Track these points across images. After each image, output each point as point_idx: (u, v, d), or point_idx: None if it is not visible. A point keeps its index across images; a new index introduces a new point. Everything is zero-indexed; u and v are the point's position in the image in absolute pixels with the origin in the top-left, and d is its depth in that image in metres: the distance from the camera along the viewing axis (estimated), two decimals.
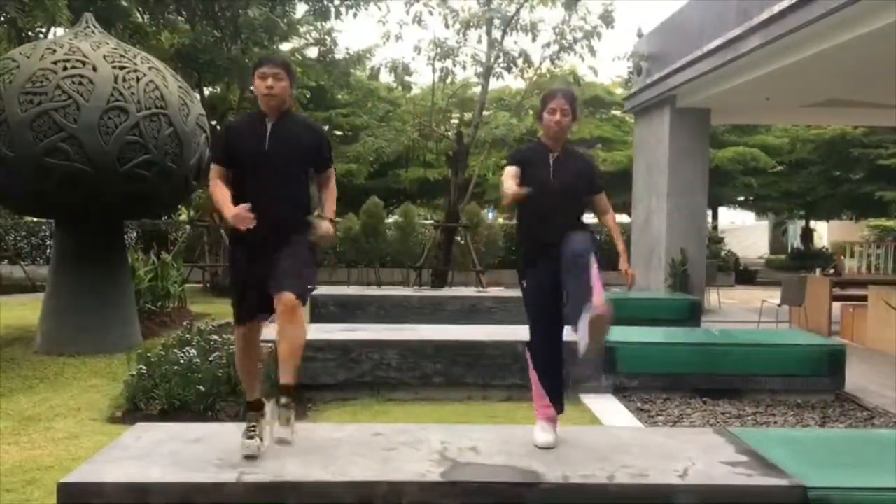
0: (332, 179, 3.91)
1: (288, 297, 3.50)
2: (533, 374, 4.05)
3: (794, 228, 30.78)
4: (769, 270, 23.05)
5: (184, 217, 18.12)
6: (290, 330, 3.54)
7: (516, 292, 4.38)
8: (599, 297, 3.55)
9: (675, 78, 11.70)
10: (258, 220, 3.52)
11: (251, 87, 3.98)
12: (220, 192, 3.68)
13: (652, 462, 3.59)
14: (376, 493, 3.29)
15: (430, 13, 12.42)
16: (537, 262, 3.95)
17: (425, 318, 9.08)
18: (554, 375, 4.03)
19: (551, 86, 12.14)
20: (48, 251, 17.26)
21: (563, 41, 12.58)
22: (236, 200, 3.64)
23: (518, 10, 12.39)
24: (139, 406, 5.56)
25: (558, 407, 4.01)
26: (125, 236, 10.68)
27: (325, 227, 3.72)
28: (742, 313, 12.82)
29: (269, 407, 3.73)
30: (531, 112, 14.09)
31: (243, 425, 3.69)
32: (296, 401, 3.67)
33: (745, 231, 33.53)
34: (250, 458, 3.50)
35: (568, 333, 3.89)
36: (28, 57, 7.50)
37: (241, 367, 3.86)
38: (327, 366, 6.20)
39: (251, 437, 3.56)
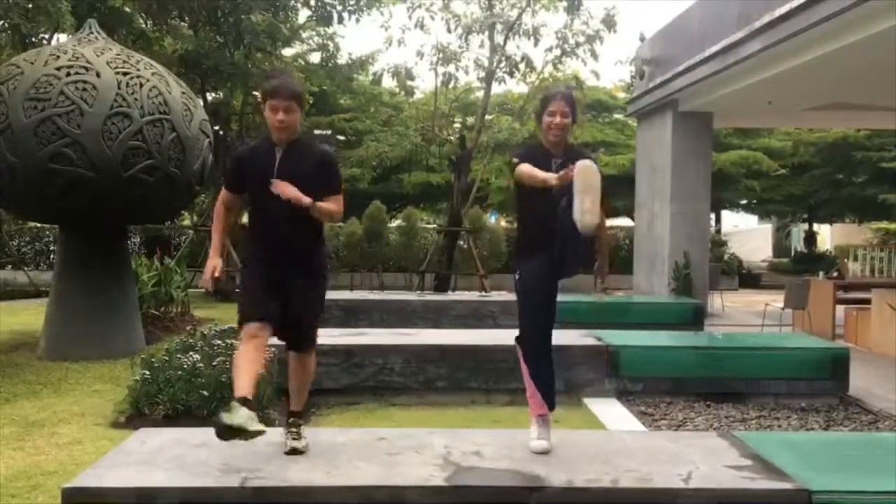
0: (339, 203, 3.80)
1: (298, 351, 3.89)
2: (525, 370, 4.06)
3: (797, 232, 30.73)
4: (772, 274, 23.01)
5: (187, 222, 18.14)
6: (303, 372, 3.93)
7: None
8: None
9: (678, 82, 11.71)
10: (272, 244, 3.73)
11: (254, 93, 4.04)
12: (218, 222, 3.92)
13: (656, 466, 3.59)
14: (380, 497, 3.29)
15: (433, 18, 12.47)
16: (533, 257, 3.95)
17: (428, 323, 9.08)
18: (545, 368, 4.03)
19: (554, 86, 12.18)
20: (51, 256, 17.28)
21: (566, 45, 12.63)
22: (254, 222, 3.84)
23: (520, 15, 12.43)
24: (143, 411, 5.56)
25: (549, 403, 4.02)
26: (128, 241, 10.70)
27: (287, 186, 3.56)
28: (745, 317, 12.80)
29: (282, 430, 3.87)
30: (533, 116, 14.12)
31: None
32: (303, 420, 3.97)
33: (747, 234, 33.43)
34: (227, 427, 3.20)
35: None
36: (32, 63, 7.53)
37: (239, 366, 3.56)
38: (331, 370, 6.20)
39: (228, 411, 3.29)
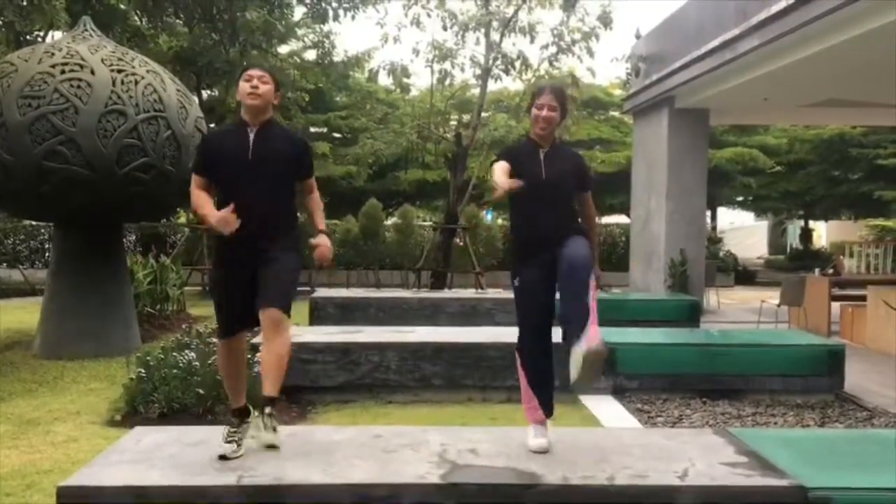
0: (314, 188, 3.93)
1: (272, 312, 3.56)
2: (522, 377, 4.02)
3: (793, 228, 30.81)
4: (768, 271, 23.06)
5: (182, 220, 18.11)
6: (275, 345, 3.58)
7: None
8: (597, 331, 3.51)
9: (674, 79, 11.70)
10: (242, 229, 3.57)
11: None
12: (200, 197, 3.71)
13: (652, 463, 3.59)
14: (376, 495, 3.29)
15: (429, 15, 12.43)
16: (529, 260, 3.91)
17: (424, 320, 9.08)
18: (544, 380, 3.99)
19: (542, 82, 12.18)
20: (47, 254, 17.25)
21: (562, 43, 12.59)
22: (221, 209, 3.65)
23: (516, 12, 12.40)
24: (138, 409, 5.55)
25: (548, 411, 3.98)
26: (124, 239, 10.68)
27: (323, 243, 3.78)
28: (741, 314, 12.82)
29: (254, 419, 3.73)
30: (526, 110, 14.11)
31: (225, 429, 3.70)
32: (277, 409, 3.80)
33: (744, 231, 33.52)
34: (223, 458, 3.51)
35: (557, 334, 3.87)
36: (26, 60, 7.50)
37: (226, 378, 3.87)
38: (327, 368, 6.19)
39: (230, 442, 3.58)
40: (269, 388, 3.60)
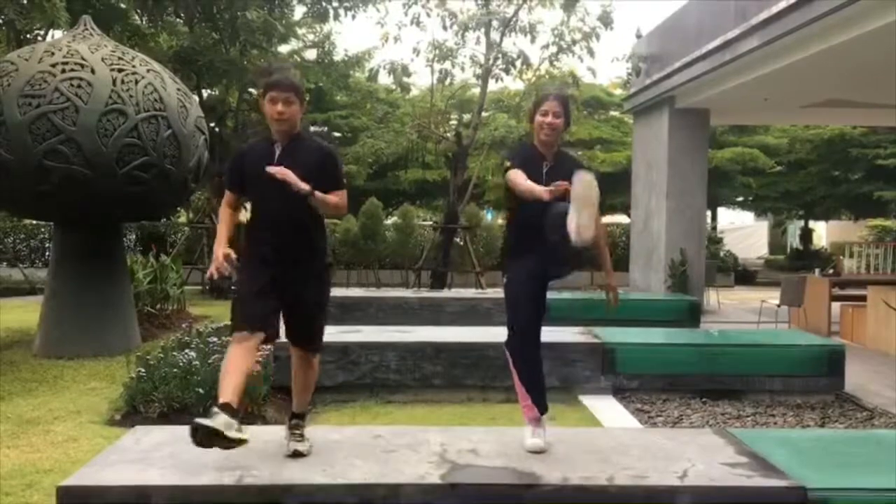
0: (343, 198, 3.74)
1: (307, 353, 3.86)
2: (514, 375, 4.04)
3: (794, 229, 30.76)
4: (768, 271, 23.03)
5: (183, 219, 18.11)
6: (307, 376, 3.90)
7: None
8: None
9: (674, 79, 11.70)
10: (273, 244, 3.64)
11: (250, 90, 4.02)
12: (222, 227, 3.81)
13: (651, 463, 3.59)
14: (376, 495, 3.29)
15: (429, 15, 12.43)
16: (522, 257, 3.92)
17: (424, 320, 9.06)
18: (534, 375, 4.00)
19: (547, 87, 12.17)
20: (47, 254, 17.24)
21: (562, 42, 12.59)
22: (254, 221, 3.77)
23: (516, 12, 12.40)
24: (138, 409, 5.55)
25: (541, 407, 3.98)
26: (124, 238, 10.67)
27: (285, 170, 3.51)
28: (741, 314, 12.82)
29: (287, 429, 3.84)
30: (527, 118, 14.11)
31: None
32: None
33: (744, 231, 33.47)
34: (205, 431, 3.08)
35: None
36: (26, 59, 7.50)
37: (227, 371, 3.41)
38: (326, 368, 6.17)
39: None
40: (298, 406, 3.91)
